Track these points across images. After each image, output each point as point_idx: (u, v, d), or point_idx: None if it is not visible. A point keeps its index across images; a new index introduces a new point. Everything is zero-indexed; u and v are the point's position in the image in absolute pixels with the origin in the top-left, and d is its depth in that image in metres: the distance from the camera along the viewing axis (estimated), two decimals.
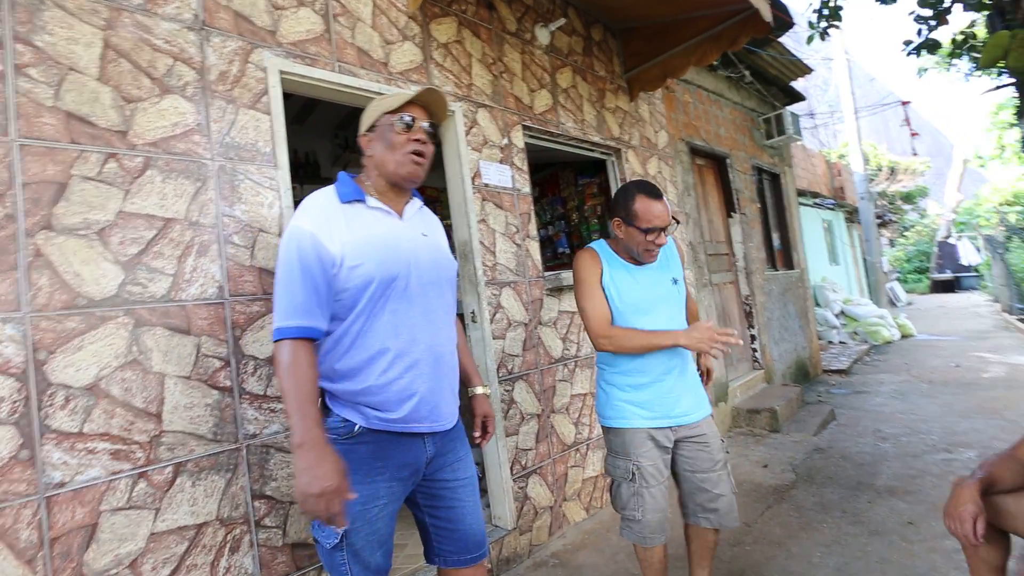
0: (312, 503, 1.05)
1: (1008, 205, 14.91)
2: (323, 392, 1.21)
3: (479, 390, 1.52)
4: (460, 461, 1.36)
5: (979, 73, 6.53)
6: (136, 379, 1.45)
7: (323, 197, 1.25)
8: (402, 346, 1.22)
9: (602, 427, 1.78)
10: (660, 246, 1.64)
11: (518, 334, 2.61)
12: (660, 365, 1.66)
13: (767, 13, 2.79)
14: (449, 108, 2.41)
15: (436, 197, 4.77)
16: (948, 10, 4.77)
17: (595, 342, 1.67)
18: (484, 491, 2.59)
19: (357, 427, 1.20)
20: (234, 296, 1.66)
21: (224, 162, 1.71)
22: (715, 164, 5.02)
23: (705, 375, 1.82)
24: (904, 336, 8.28)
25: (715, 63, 4.88)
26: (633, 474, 1.64)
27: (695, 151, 4.62)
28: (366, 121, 1.33)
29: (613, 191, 3.69)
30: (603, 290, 1.68)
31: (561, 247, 4.93)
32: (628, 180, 3.59)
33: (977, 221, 17.15)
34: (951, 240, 17.16)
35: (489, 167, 2.60)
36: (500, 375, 2.47)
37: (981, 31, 5.03)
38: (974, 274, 15.63)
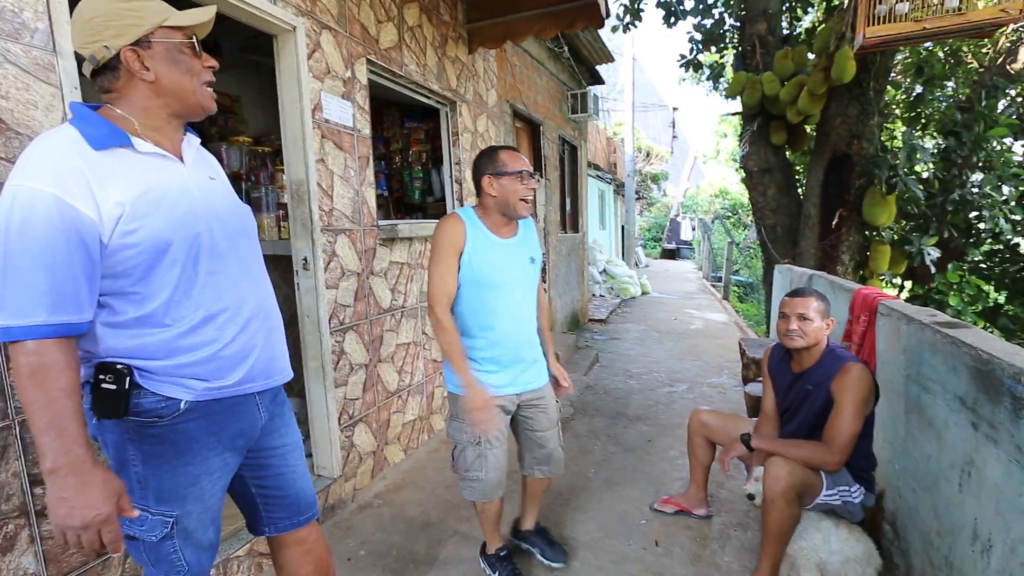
0: (74, 537, 0.91)
1: (716, 197, 19.67)
2: (130, 371, 1.00)
3: None
4: (288, 426, 1.29)
5: (719, 93, 8.33)
6: None
7: (64, 142, 0.94)
8: (231, 307, 1.09)
9: (449, 393, 1.80)
10: (532, 194, 1.72)
11: (351, 284, 2.52)
12: (514, 338, 1.75)
13: (604, 9, 3.08)
14: (289, 23, 2.11)
15: (229, 106, 3.97)
16: (711, 43, 5.94)
17: (430, 311, 1.69)
18: (306, 438, 2.52)
19: (183, 403, 1.04)
20: None
21: None
22: (530, 129, 5.40)
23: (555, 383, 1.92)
24: (644, 293, 10.45)
25: None
26: (479, 439, 1.73)
27: (516, 114, 4.89)
28: (133, 30, 0.99)
29: (444, 142, 3.70)
30: (460, 259, 1.69)
31: (380, 189, 4.73)
32: (460, 134, 3.65)
33: (695, 206, 22.20)
34: (678, 219, 21.91)
35: (331, 101, 2.35)
36: (332, 326, 2.37)
37: (729, 64, 6.40)
38: (689, 247, 20.38)
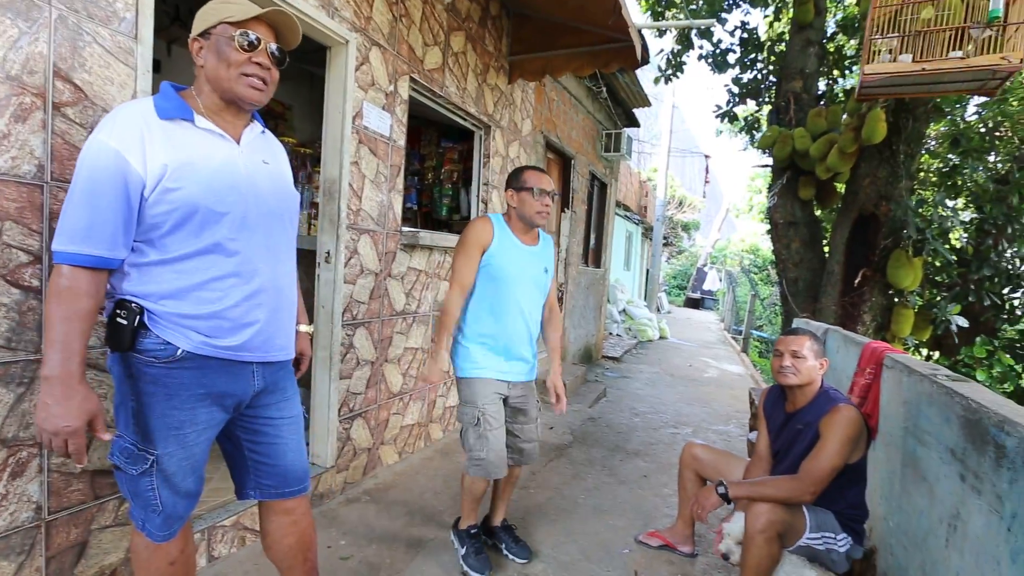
0: (47, 439, 1.03)
1: (746, 252, 19.48)
2: (141, 310, 1.11)
3: (302, 328, 1.52)
4: (287, 400, 1.36)
5: (755, 147, 8.42)
6: None
7: (136, 109, 1.10)
8: (242, 276, 1.18)
9: (458, 379, 2.00)
10: (548, 209, 1.95)
11: (368, 282, 2.63)
12: (515, 329, 1.96)
13: (639, 53, 3.23)
14: (342, 37, 2.30)
15: (281, 113, 4.29)
16: (748, 95, 6.07)
17: (450, 290, 1.92)
18: (306, 427, 2.59)
19: (180, 351, 1.13)
20: (59, 181, 1.37)
21: (66, 11, 1.38)
22: (562, 162, 5.56)
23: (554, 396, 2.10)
24: (662, 337, 10.34)
25: None
26: (478, 419, 1.90)
27: (549, 146, 5.06)
28: (200, 23, 1.18)
29: (476, 163, 3.86)
30: (484, 255, 1.92)
31: (410, 202, 4.92)
32: (491, 157, 3.81)
33: (724, 258, 22.00)
34: (705, 268, 21.71)
35: (372, 110, 2.52)
36: (344, 319, 2.47)
37: (764, 117, 6.50)
38: (713, 298, 20.11)
